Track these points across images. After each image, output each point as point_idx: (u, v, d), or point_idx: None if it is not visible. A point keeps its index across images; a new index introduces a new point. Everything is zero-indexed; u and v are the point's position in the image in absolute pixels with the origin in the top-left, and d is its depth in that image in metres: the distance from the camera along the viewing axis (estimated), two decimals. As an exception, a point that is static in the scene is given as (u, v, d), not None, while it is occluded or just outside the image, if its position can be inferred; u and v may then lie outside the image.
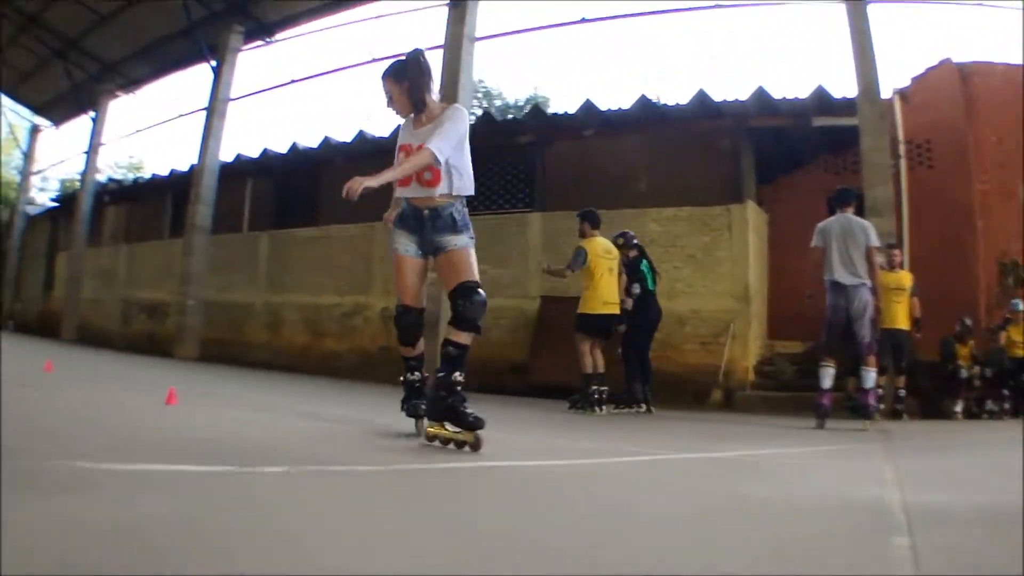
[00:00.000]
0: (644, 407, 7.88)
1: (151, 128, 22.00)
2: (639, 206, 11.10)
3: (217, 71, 16.32)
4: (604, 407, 7.52)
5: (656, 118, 11.48)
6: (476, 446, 3.42)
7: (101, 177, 23.32)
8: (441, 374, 3.56)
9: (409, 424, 4.00)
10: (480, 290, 3.59)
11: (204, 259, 15.43)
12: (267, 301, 15.35)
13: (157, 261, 18.40)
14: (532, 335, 11.20)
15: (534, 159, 12.69)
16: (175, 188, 18.16)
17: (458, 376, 3.55)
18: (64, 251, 22.67)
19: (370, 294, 13.62)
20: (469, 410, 3.45)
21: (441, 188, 3.63)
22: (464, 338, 3.61)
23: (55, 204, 26.51)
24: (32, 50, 20.85)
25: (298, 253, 14.89)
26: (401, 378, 3.98)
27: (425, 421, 3.79)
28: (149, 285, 18.59)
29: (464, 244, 3.69)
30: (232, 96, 16.53)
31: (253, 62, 35.01)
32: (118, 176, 25.50)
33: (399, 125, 3.95)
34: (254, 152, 16.73)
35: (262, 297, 15.47)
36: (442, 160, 3.52)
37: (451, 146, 3.57)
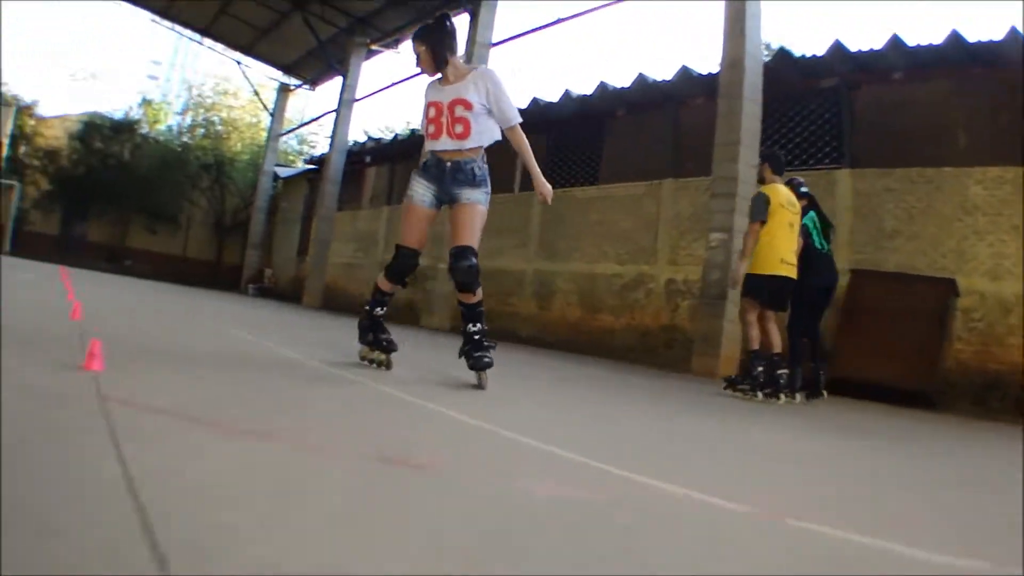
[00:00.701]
0: (796, 397, 7.36)
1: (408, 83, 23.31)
2: (958, 164, 10.52)
3: (473, 17, 17.50)
4: (793, 395, 7.23)
5: (968, 58, 10.66)
6: (480, 384, 4.50)
7: (361, 137, 25.44)
8: (462, 328, 4.57)
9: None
10: (471, 256, 4.44)
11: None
12: (538, 269, 15.80)
13: (420, 224, 19.50)
14: (838, 317, 10.42)
15: (839, 106, 12.20)
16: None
17: (470, 327, 4.51)
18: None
19: (655, 264, 13.73)
20: (477, 354, 4.46)
21: (470, 142, 4.50)
22: (464, 297, 4.56)
23: (312, 166, 29.19)
24: (268, 5, 23.40)
25: (575, 216, 15.12)
26: (368, 308, 4.89)
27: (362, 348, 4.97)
28: (410, 249, 19.75)
29: (477, 199, 4.54)
30: (492, 41, 17.53)
31: (513, 6, 36.17)
32: (389, 135, 27.42)
33: (429, 84, 4.75)
34: (521, 103, 16.57)
35: (532, 264, 15.92)
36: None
37: (513, 106, 4.58)
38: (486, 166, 4.63)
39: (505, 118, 4.57)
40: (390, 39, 23.03)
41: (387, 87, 23.92)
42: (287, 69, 28.99)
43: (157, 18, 26.98)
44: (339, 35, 23.69)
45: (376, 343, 4.85)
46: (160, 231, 34.53)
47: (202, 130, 36.07)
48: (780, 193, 7.25)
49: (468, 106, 4.44)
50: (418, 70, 4.73)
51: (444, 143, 4.54)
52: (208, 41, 28.17)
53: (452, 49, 4.59)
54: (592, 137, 15.74)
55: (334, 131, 23.63)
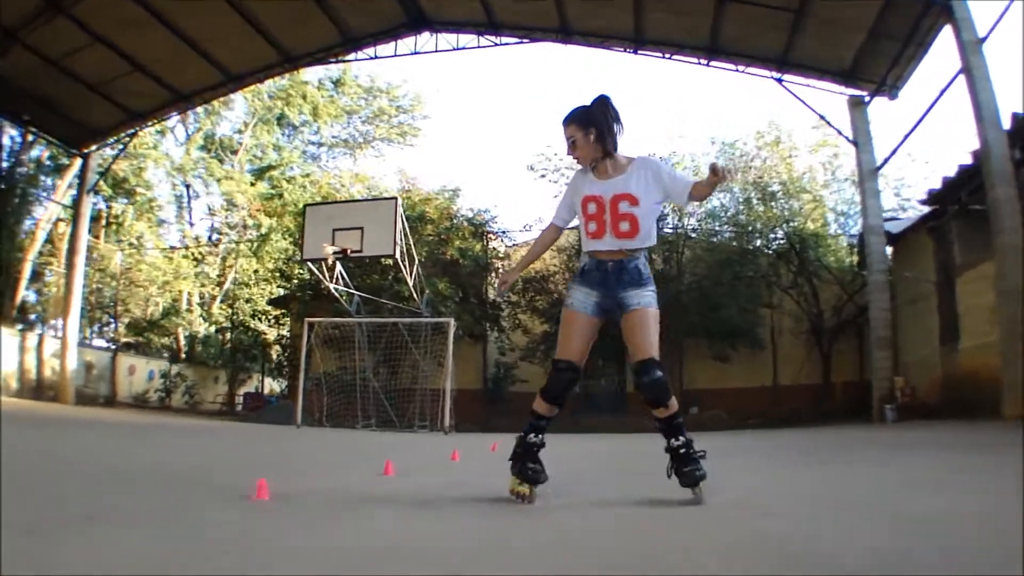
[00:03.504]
0: None
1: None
2: None
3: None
4: None
5: None
6: (697, 499, 4.31)
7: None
8: (666, 445, 4.46)
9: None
10: (656, 369, 4.33)
11: None
12: None
13: None
14: None
15: None
16: None
17: (673, 442, 4.37)
18: (965, 271, 18.34)
19: None
20: (688, 468, 4.23)
21: (638, 241, 4.48)
22: (659, 412, 4.44)
23: (932, 207, 21.19)
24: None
25: None
26: (522, 434, 4.61)
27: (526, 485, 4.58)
28: None
29: (649, 303, 4.50)
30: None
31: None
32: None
33: (579, 173, 4.76)
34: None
35: None
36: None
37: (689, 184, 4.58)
38: (647, 264, 4.65)
39: (685, 183, 4.44)
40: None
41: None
42: (846, 78, 22.40)
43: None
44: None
45: (522, 472, 4.55)
46: (732, 357, 28.37)
47: (760, 204, 28.63)
48: None
49: (635, 202, 4.43)
50: (577, 154, 4.62)
51: (608, 243, 4.52)
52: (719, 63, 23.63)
53: (617, 135, 4.57)
54: None
55: (973, 94, 15.66)
